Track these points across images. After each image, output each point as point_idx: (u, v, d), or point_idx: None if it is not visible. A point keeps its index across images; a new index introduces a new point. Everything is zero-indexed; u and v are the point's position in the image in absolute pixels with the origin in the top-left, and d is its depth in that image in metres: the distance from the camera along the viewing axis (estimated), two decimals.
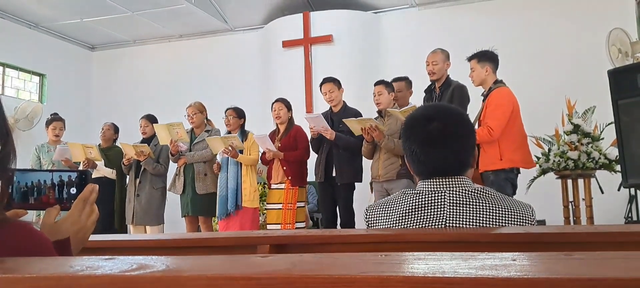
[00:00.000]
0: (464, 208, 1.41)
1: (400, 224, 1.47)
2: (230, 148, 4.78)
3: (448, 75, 4.39)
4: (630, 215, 5.75)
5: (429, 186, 1.46)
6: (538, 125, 4.79)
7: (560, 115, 4.87)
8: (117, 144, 5.86)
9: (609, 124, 4.29)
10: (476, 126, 3.92)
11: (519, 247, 1.26)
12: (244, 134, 5.03)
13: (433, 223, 1.43)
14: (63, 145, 5.53)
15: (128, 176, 5.59)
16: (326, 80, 4.87)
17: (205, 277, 0.60)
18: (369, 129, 4.29)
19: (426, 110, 1.53)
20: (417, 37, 7.32)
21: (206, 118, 5.39)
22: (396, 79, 4.79)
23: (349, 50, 7.53)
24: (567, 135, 4.73)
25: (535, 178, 4.86)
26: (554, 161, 4.69)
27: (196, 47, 8.70)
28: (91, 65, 9.26)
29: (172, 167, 5.40)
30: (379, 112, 4.57)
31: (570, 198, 4.83)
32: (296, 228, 4.65)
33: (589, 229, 1.43)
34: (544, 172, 4.84)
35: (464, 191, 1.43)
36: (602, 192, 4.75)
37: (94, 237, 1.17)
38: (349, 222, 4.72)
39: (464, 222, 1.41)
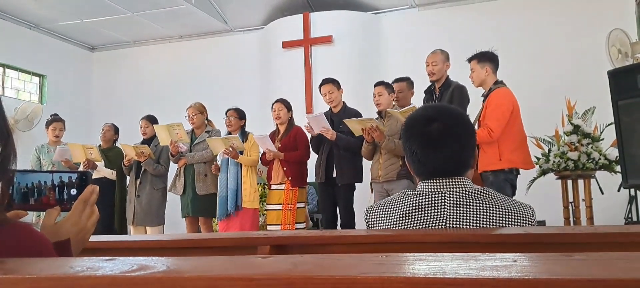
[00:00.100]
0: (464, 209, 1.41)
1: (400, 225, 1.47)
2: (230, 149, 4.78)
3: (448, 76, 4.39)
4: (630, 215, 5.75)
5: (429, 187, 1.46)
6: (538, 125, 4.79)
7: (560, 116, 4.87)
8: (118, 144, 5.86)
9: (609, 125, 4.29)
10: (476, 126, 3.92)
11: (519, 247, 1.26)
12: (244, 135, 5.03)
13: (433, 224, 1.43)
14: (63, 146, 5.53)
15: (128, 177, 5.59)
16: (325, 81, 4.87)
17: (205, 277, 0.60)
18: (369, 129, 4.28)
19: (426, 111, 1.52)
20: (417, 38, 7.32)
21: (207, 118, 5.39)
22: (398, 80, 4.79)
23: (349, 51, 7.53)
24: (567, 135, 4.73)
25: (535, 179, 4.86)
26: (554, 162, 4.69)
27: (196, 48, 8.70)
28: (91, 66, 9.26)
29: (173, 168, 5.40)
30: (379, 112, 4.57)
31: (570, 199, 4.83)
32: (296, 229, 4.65)
33: (589, 230, 1.43)
34: (544, 172, 4.84)
35: (464, 192, 1.43)
36: (602, 193, 4.75)
37: (94, 238, 1.17)
38: (349, 222, 4.72)
39: (464, 223, 1.41)
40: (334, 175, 4.75)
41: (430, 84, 4.49)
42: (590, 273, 0.55)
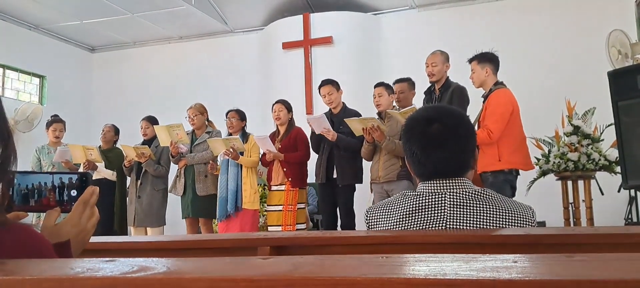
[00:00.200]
0: (464, 210, 1.41)
1: (400, 226, 1.47)
2: (231, 149, 4.78)
3: (447, 77, 4.39)
4: (630, 216, 5.75)
5: (430, 188, 1.46)
6: (538, 126, 4.80)
7: (560, 117, 4.87)
8: (118, 145, 5.86)
9: (609, 126, 4.29)
10: (476, 127, 3.92)
11: (519, 248, 1.26)
12: (245, 136, 5.03)
13: (433, 225, 1.43)
14: (63, 147, 5.53)
15: (129, 178, 5.59)
16: (325, 83, 4.87)
17: (206, 279, 0.60)
18: (370, 129, 4.28)
19: (427, 112, 1.52)
20: (417, 39, 7.32)
21: (207, 119, 5.39)
22: (399, 80, 4.79)
23: (349, 52, 7.54)
24: (567, 136, 4.73)
25: (535, 179, 4.86)
26: (554, 162, 4.69)
27: (196, 49, 8.70)
28: (91, 66, 9.27)
29: (173, 169, 5.40)
30: (379, 113, 4.57)
31: (570, 200, 4.83)
32: (297, 229, 4.66)
33: (590, 231, 1.44)
34: (544, 173, 4.84)
35: (464, 193, 1.43)
36: (602, 194, 4.75)
37: (94, 239, 1.17)
38: (349, 223, 4.72)
39: (464, 224, 1.41)
40: (334, 175, 4.75)
41: (430, 84, 4.49)
42: (591, 274, 0.55)
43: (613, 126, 3.89)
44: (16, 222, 0.93)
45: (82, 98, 8.93)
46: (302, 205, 4.88)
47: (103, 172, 5.67)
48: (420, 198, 1.46)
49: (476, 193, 1.43)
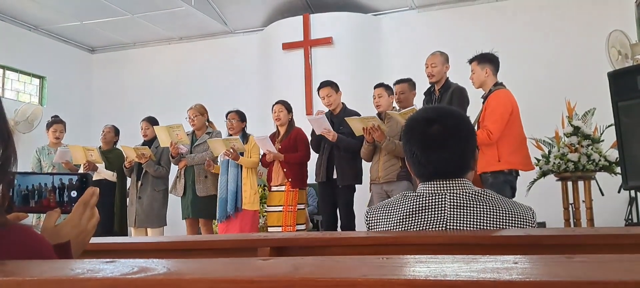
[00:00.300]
0: (464, 211, 1.41)
1: (400, 226, 1.47)
2: (231, 150, 4.78)
3: (447, 78, 4.39)
4: (630, 217, 5.75)
5: (430, 188, 1.46)
6: (538, 127, 4.79)
7: (560, 117, 4.87)
8: (118, 146, 5.86)
9: (609, 126, 4.29)
10: (475, 128, 3.92)
11: (519, 249, 1.26)
12: (245, 137, 5.03)
13: (433, 226, 1.43)
14: (64, 148, 5.53)
15: (129, 178, 5.59)
16: (323, 85, 4.87)
17: (206, 280, 0.60)
18: (370, 129, 4.28)
19: (427, 112, 1.52)
20: (417, 40, 7.33)
21: (207, 120, 5.39)
22: (399, 81, 4.78)
23: (349, 53, 7.54)
24: (567, 137, 4.73)
25: (535, 180, 4.86)
26: (554, 163, 4.69)
27: (196, 50, 8.71)
28: (91, 67, 9.27)
29: (174, 169, 5.40)
30: (379, 114, 4.57)
31: (571, 201, 4.83)
32: (297, 230, 4.66)
33: (590, 231, 1.43)
34: (544, 174, 4.84)
35: (464, 193, 1.43)
36: (603, 194, 4.75)
37: (94, 240, 1.17)
38: (349, 224, 4.72)
39: (464, 225, 1.41)
40: (335, 176, 4.74)
41: (429, 85, 4.49)
42: (591, 275, 0.55)
43: (613, 127, 3.89)
44: (16, 223, 0.93)
45: (82, 99, 8.93)
46: (302, 206, 4.87)
47: (103, 172, 5.67)
48: (421, 199, 1.46)
49: (476, 194, 1.43)
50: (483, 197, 1.43)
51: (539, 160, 4.83)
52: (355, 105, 5.05)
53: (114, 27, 8.21)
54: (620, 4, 6.43)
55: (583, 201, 4.73)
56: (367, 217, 1.58)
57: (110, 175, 5.69)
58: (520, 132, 3.98)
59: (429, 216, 1.43)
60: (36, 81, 8.41)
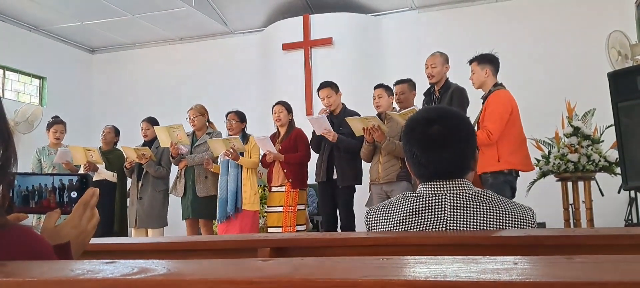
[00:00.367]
0: (464, 212, 1.41)
1: (400, 227, 1.47)
2: (231, 150, 4.78)
3: (447, 78, 4.39)
4: (630, 217, 5.75)
5: (430, 189, 1.46)
6: (538, 127, 4.80)
7: (560, 118, 4.87)
8: (118, 146, 5.86)
9: (609, 127, 4.29)
10: (475, 128, 3.92)
11: (519, 249, 1.26)
12: (245, 138, 5.03)
13: (434, 226, 1.43)
14: (64, 148, 5.53)
15: (130, 179, 5.59)
16: (323, 85, 4.87)
17: (206, 280, 0.60)
18: (371, 129, 4.28)
19: (427, 113, 1.53)
20: (417, 40, 7.33)
21: (208, 120, 5.39)
22: (399, 82, 4.78)
23: (349, 53, 7.54)
24: (567, 137, 4.73)
25: (535, 180, 4.87)
26: (554, 163, 4.69)
27: (196, 50, 8.71)
28: (91, 68, 9.27)
29: (174, 170, 5.40)
30: (379, 115, 4.57)
31: (570, 201, 4.83)
32: (297, 231, 4.66)
33: (590, 232, 1.44)
34: (544, 174, 4.84)
35: (464, 194, 1.43)
36: (602, 195, 4.75)
37: (94, 240, 1.17)
38: (349, 224, 4.72)
39: (464, 225, 1.41)
40: (335, 176, 4.74)
41: (429, 86, 4.49)
42: (591, 276, 0.55)
43: (613, 127, 3.89)
44: (16, 223, 0.93)
45: (82, 99, 8.93)
46: (302, 207, 4.87)
47: (103, 173, 5.66)
48: (421, 200, 1.46)
49: (476, 194, 1.43)
50: (483, 198, 1.43)
51: (539, 161, 4.83)
52: (355, 106, 5.05)
53: (114, 27, 8.21)
54: (620, 4, 6.43)
55: (583, 201, 4.74)
56: (367, 217, 1.58)
57: (111, 176, 5.69)
58: (520, 133, 3.98)
59: (429, 217, 1.43)
60: (36, 82, 8.41)
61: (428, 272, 0.59)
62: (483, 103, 4.01)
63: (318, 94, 4.94)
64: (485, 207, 1.42)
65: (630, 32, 5.41)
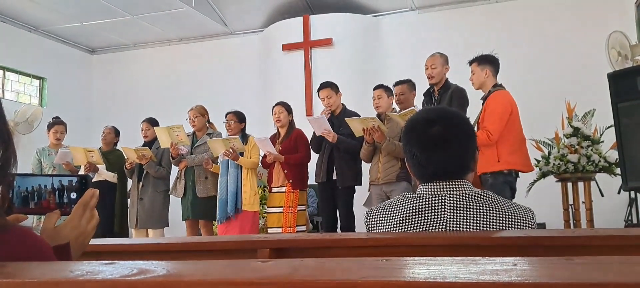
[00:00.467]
0: (464, 212, 1.41)
1: (401, 228, 1.47)
2: (231, 150, 4.78)
3: (447, 79, 4.40)
4: (630, 218, 5.75)
5: (430, 190, 1.46)
6: (538, 128, 4.80)
7: (560, 118, 4.87)
8: (118, 147, 5.86)
9: (609, 127, 4.29)
10: (475, 129, 3.92)
11: (519, 250, 1.26)
12: (244, 138, 5.03)
13: (433, 227, 1.42)
14: (64, 149, 5.53)
15: (130, 180, 5.59)
16: (323, 86, 4.87)
17: (205, 282, 0.60)
18: (370, 130, 4.28)
19: (427, 113, 1.53)
20: (417, 41, 7.33)
21: (208, 121, 5.39)
22: (399, 82, 4.79)
23: (349, 54, 7.54)
24: (567, 138, 4.73)
25: (535, 181, 4.87)
26: (553, 164, 4.69)
27: (196, 51, 8.71)
28: (91, 68, 9.27)
29: (174, 170, 5.40)
30: (379, 115, 4.57)
31: (570, 202, 4.83)
32: (297, 231, 4.65)
33: (589, 233, 1.44)
34: (543, 175, 4.84)
35: (464, 195, 1.43)
36: (602, 195, 4.75)
37: (94, 241, 1.17)
38: (349, 225, 4.72)
39: (464, 226, 1.41)
40: (334, 177, 4.74)
41: (429, 86, 4.49)
42: (590, 276, 0.55)
43: (613, 128, 3.89)
44: (16, 224, 0.93)
45: (82, 100, 8.93)
46: (303, 207, 4.87)
47: (103, 174, 5.66)
48: (421, 201, 1.46)
49: (476, 195, 1.43)
50: (483, 199, 1.43)
51: (538, 161, 4.83)
52: (355, 106, 5.05)
53: (114, 28, 8.21)
54: (620, 5, 6.43)
55: (583, 202, 4.74)
56: (367, 218, 1.58)
57: (111, 177, 5.69)
58: (520, 133, 3.98)
59: (429, 217, 1.43)
60: (36, 82, 8.41)
61: (427, 273, 0.59)
62: (483, 103, 4.02)
63: (318, 94, 4.94)
64: (485, 208, 1.42)
65: (630, 33, 5.41)
